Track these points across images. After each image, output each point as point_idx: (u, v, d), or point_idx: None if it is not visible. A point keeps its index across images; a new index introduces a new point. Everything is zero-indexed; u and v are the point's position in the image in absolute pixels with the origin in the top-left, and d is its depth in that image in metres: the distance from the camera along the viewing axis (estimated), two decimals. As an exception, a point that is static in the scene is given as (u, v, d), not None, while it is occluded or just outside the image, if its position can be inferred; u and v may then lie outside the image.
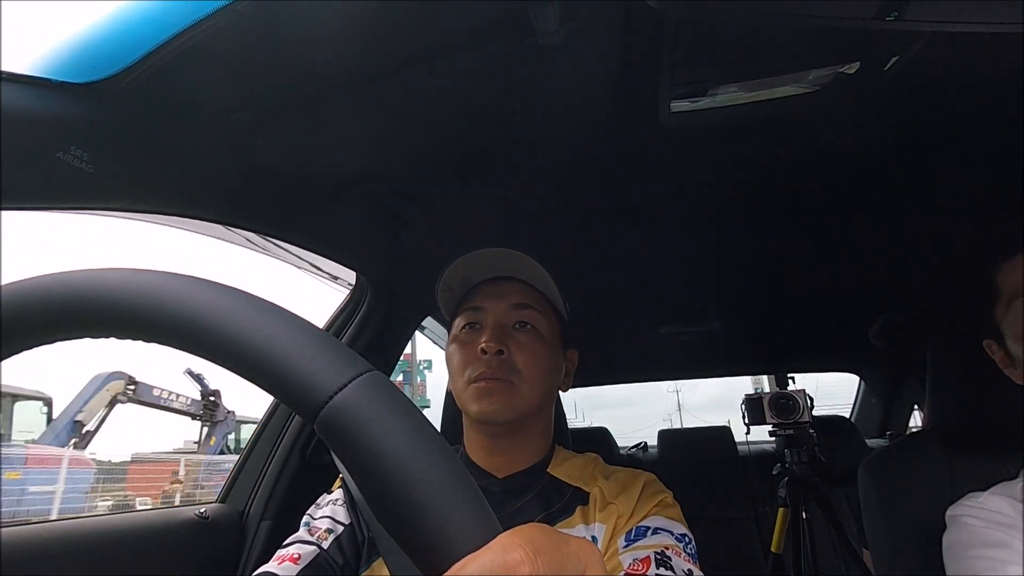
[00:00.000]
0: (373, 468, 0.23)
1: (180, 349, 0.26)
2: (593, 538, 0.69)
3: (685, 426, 6.56)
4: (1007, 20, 0.58)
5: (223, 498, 1.24)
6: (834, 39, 0.74)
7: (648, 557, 0.61)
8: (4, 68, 0.58)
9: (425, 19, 0.69)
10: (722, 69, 0.80)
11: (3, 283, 0.28)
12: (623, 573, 0.60)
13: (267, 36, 0.65)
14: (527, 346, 0.77)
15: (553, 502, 0.74)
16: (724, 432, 2.35)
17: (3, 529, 0.82)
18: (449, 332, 0.84)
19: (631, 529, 0.67)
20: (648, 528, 0.66)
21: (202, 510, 1.13)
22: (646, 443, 2.55)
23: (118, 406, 9.99)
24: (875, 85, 0.82)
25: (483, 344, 0.74)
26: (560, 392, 0.88)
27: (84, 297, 0.27)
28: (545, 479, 0.77)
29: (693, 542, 0.67)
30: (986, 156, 1.06)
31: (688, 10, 0.64)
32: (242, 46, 0.66)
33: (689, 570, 0.61)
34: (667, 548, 0.62)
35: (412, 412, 0.25)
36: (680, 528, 0.68)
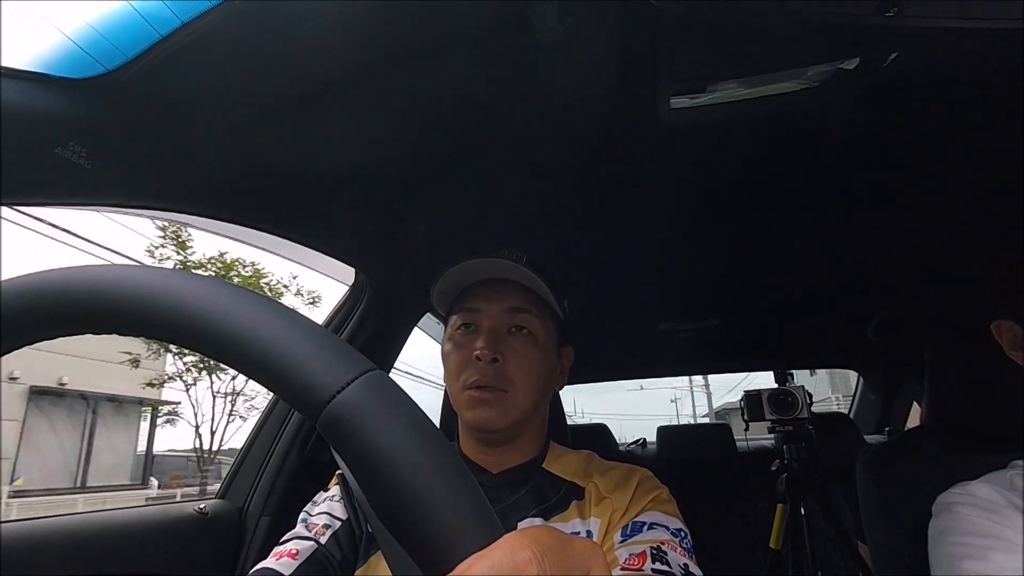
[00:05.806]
0: (376, 467, 0.23)
1: (182, 346, 0.26)
2: (588, 533, 0.69)
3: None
4: (1008, 16, 0.57)
5: (223, 494, 1.25)
6: (834, 35, 0.74)
7: (644, 552, 0.61)
8: (3, 63, 0.58)
9: (423, 16, 0.68)
10: (722, 65, 0.79)
11: (3, 278, 0.28)
12: (619, 568, 0.60)
13: (265, 32, 0.65)
14: (522, 352, 0.76)
15: (548, 497, 0.75)
16: (723, 429, 2.36)
17: (3, 525, 0.83)
18: (445, 327, 0.84)
19: (627, 524, 0.67)
20: (644, 523, 0.66)
21: (202, 506, 1.13)
22: (645, 439, 2.56)
23: None
24: (875, 81, 0.82)
25: (477, 352, 0.74)
26: (557, 389, 0.88)
27: (89, 292, 0.27)
28: (540, 474, 0.78)
29: (689, 537, 0.67)
30: (986, 153, 1.05)
31: (688, 6, 0.64)
32: (240, 42, 0.65)
33: (685, 564, 0.61)
34: (663, 543, 0.63)
35: (415, 411, 0.25)
36: (676, 523, 0.68)
